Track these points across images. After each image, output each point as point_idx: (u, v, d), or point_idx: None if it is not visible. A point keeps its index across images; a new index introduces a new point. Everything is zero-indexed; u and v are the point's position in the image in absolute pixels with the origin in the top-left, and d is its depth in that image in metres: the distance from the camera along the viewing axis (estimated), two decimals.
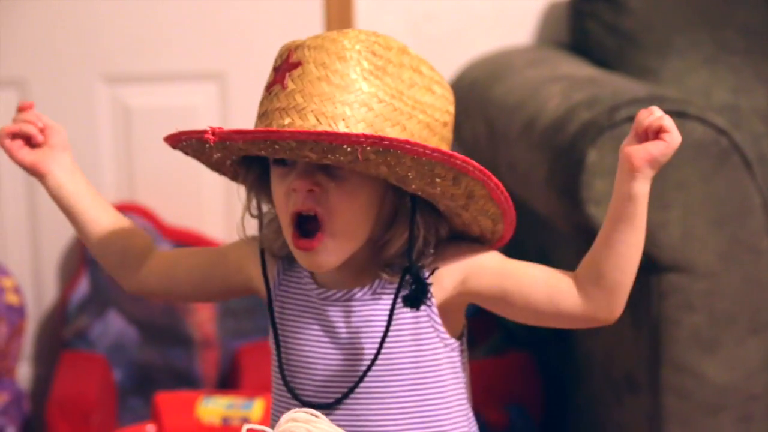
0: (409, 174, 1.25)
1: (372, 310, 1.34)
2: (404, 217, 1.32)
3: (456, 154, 1.25)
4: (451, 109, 1.36)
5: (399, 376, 1.34)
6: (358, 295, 1.34)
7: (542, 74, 2.23)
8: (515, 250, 2.53)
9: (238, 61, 2.54)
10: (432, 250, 1.33)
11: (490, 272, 1.34)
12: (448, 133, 1.35)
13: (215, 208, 2.57)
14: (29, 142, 1.42)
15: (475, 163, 1.26)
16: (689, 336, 1.90)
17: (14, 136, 1.42)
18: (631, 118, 1.85)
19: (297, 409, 1.20)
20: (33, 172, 1.43)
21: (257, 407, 2.17)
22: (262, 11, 2.54)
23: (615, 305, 1.33)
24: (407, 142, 1.22)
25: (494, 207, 1.32)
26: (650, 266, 1.88)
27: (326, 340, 1.35)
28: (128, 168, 2.55)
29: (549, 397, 2.31)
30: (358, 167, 1.24)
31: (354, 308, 1.34)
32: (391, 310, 1.32)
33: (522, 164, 2.07)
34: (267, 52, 2.65)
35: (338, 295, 1.34)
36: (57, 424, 2.24)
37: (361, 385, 1.33)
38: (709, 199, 1.87)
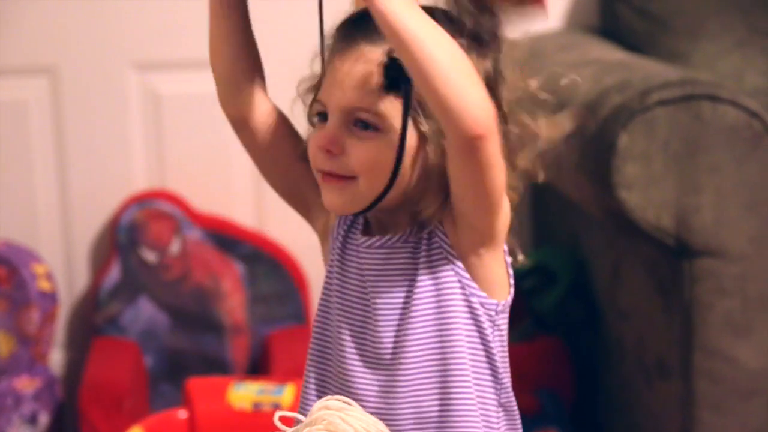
0: None
1: (404, 257, 1.33)
2: (436, 180, 1.30)
3: None
4: None
5: (422, 335, 1.33)
6: (389, 243, 1.33)
7: (573, 58, 2.22)
8: (546, 233, 2.54)
9: (265, 45, 2.52)
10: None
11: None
12: None
13: (245, 195, 2.57)
14: None
15: None
16: (722, 320, 1.89)
17: None
18: (662, 102, 1.85)
19: (329, 397, 1.20)
20: None
21: (288, 393, 2.18)
22: None
23: (457, 115, 1.24)
24: None
25: None
26: (682, 250, 1.88)
27: (358, 287, 1.35)
28: (158, 155, 2.55)
29: (580, 382, 2.31)
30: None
31: (385, 256, 1.33)
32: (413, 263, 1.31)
33: (552, 149, 2.06)
34: (295, 38, 2.65)
35: (371, 242, 1.33)
36: (89, 410, 2.25)
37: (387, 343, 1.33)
38: (742, 183, 1.86)
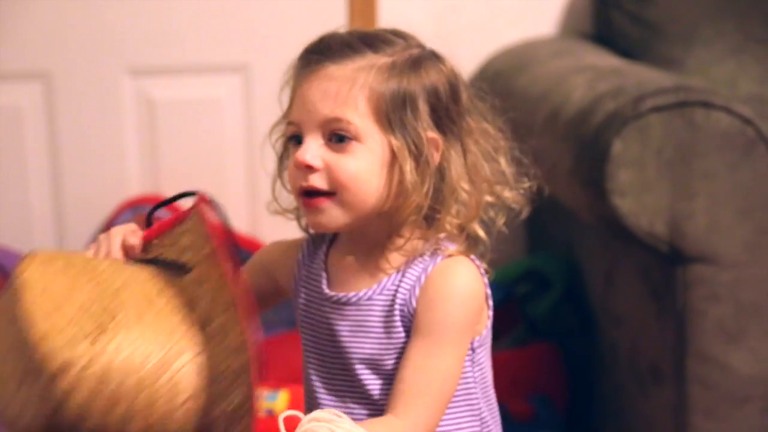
0: None
1: (367, 314, 1.38)
2: (413, 196, 1.35)
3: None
4: None
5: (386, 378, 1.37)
6: (354, 299, 1.38)
7: (566, 65, 2.23)
8: (540, 239, 2.54)
9: (262, 53, 2.55)
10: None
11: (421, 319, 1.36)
12: None
13: (239, 201, 2.57)
14: None
15: None
16: (715, 327, 1.89)
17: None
18: (656, 109, 1.86)
19: (319, 410, 1.21)
20: None
21: (282, 398, 2.17)
22: (285, 3, 2.54)
23: None
24: None
25: None
26: (676, 257, 1.88)
27: (327, 337, 1.40)
28: (152, 160, 2.55)
29: (574, 388, 2.31)
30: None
31: (350, 312, 1.38)
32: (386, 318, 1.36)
33: (546, 155, 2.07)
34: (291, 44, 2.66)
35: (338, 297, 1.39)
36: None
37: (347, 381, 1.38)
38: (735, 190, 1.86)
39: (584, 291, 2.27)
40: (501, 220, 1.42)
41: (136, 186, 2.55)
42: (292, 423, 1.23)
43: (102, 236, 1.36)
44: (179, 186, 2.57)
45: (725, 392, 1.91)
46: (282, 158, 1.42)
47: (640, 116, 1.85)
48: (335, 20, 2.53)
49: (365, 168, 1.34)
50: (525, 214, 1.44)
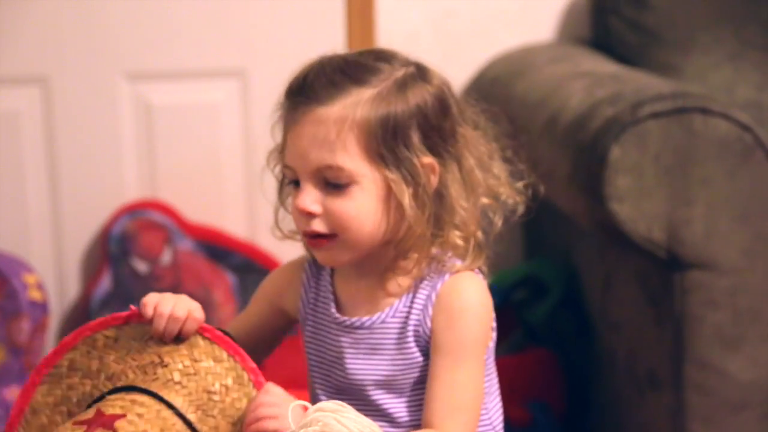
0: None
1: (381, 337, 1.40)
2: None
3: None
4: None
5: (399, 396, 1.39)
6: (368, 323, 1.40)
7: (564, 71, 2.23)
8: (537, 245, 2.54)
9: (259, 58, 2.54)
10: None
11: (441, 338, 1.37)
12: None
13: (237, 205, 2.57)
14: None
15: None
16: (713, 333, 1.89)
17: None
18: (654, 115, 1.86)
19: (324, 401, 1.21)
20: None
21: None
22: (283, 8, 2.54)
23: None
24: None
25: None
26: (674, 263, 1.88)
27: (335, 359, 1.42)
28: (150, 164, 2.55)
29: (571, 393, 2.31)
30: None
31: (363, 336, 1.40)
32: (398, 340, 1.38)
33: (544, 161, 2.07)
34: (288, 48, 2.66)
35: (351, 321, 1.40)
36: None
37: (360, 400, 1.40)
38: (733, 196, 1.86)
39: (581, 297, 2.27)
40: (499, 222, 1.42)
41: (133, 191, 2.54)
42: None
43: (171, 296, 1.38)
44: (177, 191, 2.58)
45: (723, 398, 1.90)
46: (282, 184, 1.43)
47: (638, 122, 1.85)
48: (333, 26, 2.54)
49: (363, 208, 1.35)
50: (521, 211, 1.44)
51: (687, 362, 1.91)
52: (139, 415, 1.28)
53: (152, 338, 1.35)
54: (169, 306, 1.36)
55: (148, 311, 1.36)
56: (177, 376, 1.32)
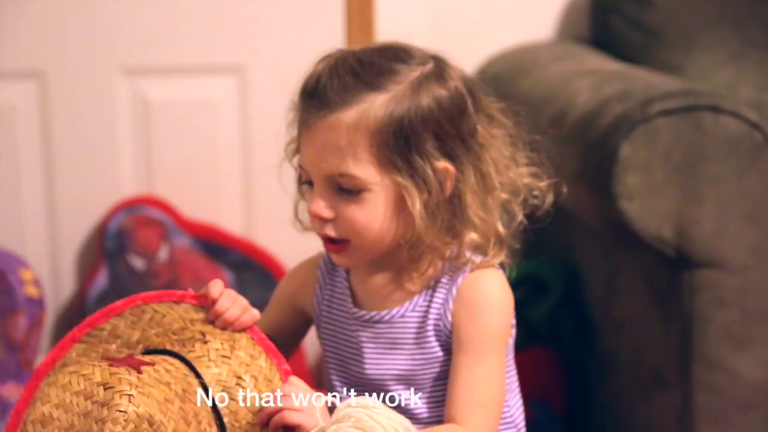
0: None
1: (401, 331, 1.39)
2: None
3: None
4: None
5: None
6: (387, 318, 1.39)
7: (569, 69, 2.22)
8: (538, 243, 2.52)
9: (257, 54, 2.53)
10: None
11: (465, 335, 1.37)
12: None
13: (234, 202, 2.56)
14: None
15: None
16: (721, 332, 1.89)
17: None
18: (664, 112, 1.85)
19: (354, 397, 1.20)
20: None
21: None
22: (282, 4, 2.53)
23: None
24: None
25: None
26: (683, 261, 1.87)
27: (353, 354, 1.42)
28: (147, 160, 2.53)
29: (572, 393, 2.30)
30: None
31: (382, 330, 1.40)
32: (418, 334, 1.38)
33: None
34: (287, 45, 2.65)
35: (370, 315, 1.40)
36: None
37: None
38: (743, 194, 1.86)
39: (583, 295, 2.26)
40: (520, 216, 1.41)
41: (130, 186, 2.52)
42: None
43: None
44: (174, 187, 2.56)
45: (732, 398, 1.90)
46: (300, 178, 1.42)
47: (648, 120, 1.84)
48: (332, 24, 2.52)
49: (374, 215, 1.35)
50: (549, 202, 1.44)
51: (695, 361, 1.90)
52: (167, 371, 1.29)
53: (199, 321, 1.35)
54: (235, 294, 1.36)
55: (216, 290, 1.34)
56: (213, 355, 1.33)
